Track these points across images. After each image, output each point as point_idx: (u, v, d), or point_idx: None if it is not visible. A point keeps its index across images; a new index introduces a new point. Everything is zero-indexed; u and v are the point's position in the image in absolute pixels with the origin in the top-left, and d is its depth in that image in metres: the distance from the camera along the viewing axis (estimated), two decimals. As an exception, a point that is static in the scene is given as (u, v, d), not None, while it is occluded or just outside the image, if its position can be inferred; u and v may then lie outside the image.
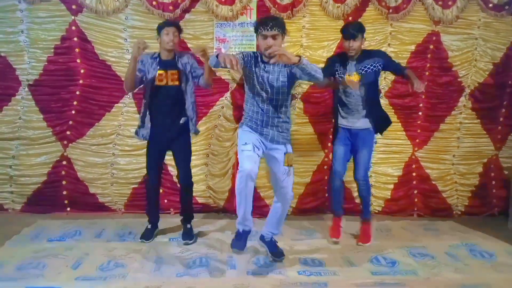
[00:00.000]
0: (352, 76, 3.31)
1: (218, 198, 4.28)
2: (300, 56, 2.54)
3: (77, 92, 4.14)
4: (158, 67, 3.26)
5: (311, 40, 4.22)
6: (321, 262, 3.07)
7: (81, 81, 4.13)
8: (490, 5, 4.24)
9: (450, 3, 4.19)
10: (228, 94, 4.22)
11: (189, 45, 4.05)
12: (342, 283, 2.70)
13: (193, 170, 4.06)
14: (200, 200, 4.23)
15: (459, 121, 4.42)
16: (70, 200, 4.20)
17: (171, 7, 4.05)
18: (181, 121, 3.30)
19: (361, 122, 3.38)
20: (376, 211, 4.38)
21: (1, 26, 4.04)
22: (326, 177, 4.34)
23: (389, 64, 3.38)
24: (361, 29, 3.28)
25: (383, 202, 4.39)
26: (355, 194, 4.21)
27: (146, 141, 3.42)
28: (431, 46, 4.28)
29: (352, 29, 3.23)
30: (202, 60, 3.18)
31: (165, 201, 4.16)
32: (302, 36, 4.20)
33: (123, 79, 4.13)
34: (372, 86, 3.38)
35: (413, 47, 4.27)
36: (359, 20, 4.17)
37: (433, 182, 4.43)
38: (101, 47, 4.11)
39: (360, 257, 3.16)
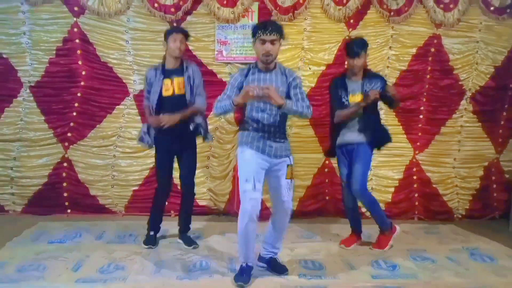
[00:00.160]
0: (356, 96, 3.27)
1: (218, 200, 4.28)
2: (285, 102, 2.53)
3: (79, 94, 4.15)
4: (163, 77, 3.18)
5: (312, 43, 4.22)
6: (321, 265, 3.06)
7: (82, 83, 4.14)
8: (492, 8, 4.24)
9: (451, 6, 4.20)
10: (229, 97, 4.22)
11: (190, 47, 4.05)
12: (342, 287, 2.69)
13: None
14: (200, 203, 4.23)
15: (460, 124, 4.42)
16: (70, 202, 4.21)
17: (172, 9, 4.05)
18: (191, 127, 3.21)
19: (354, 136, 3.31)
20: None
21: (3, 27, 4.06)
22: (326, 180, 4.34)
23: (385, 94, 3.29)
24: (365, 46, 3.26)
25: (384, 205, 4.36)
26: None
27: (146, 147, 3.41)
28: (432, 49, 4.28)
29: (357, 48, 3.20)
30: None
31: (166, 203, 4.15)
32: (303, 38, 4.21)
33: (124, 81, 4.17)
34: (372, 105, 3.32)
35: (414, 50, 4.27)
36: (360, 23, 4.19)
37: (434, 186, 4.43)
38: (102, 49, 4.12)
39: (361, 261, 3.15)
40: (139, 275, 2.81)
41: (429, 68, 4.31)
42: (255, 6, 4.14)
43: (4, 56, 4.10)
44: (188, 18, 4.12)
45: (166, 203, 3.50)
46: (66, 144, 4.18)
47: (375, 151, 3.45)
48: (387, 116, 4.29)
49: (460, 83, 4.36)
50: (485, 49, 4.33)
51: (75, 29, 4.08)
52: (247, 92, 2.49)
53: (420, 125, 4.37)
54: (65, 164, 4.19)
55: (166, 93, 3.17)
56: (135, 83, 4.17)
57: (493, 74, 4.36)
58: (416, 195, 4.41)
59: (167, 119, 3.09)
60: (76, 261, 3.00)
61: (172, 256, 3.18)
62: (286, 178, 2.70)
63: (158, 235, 3.47)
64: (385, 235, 3.43)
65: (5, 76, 4.12)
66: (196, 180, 4.16)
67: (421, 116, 4.36)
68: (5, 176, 4.17)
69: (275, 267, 2.88)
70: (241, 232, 2.63)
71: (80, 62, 4.12)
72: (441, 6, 4.19)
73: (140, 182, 4.23)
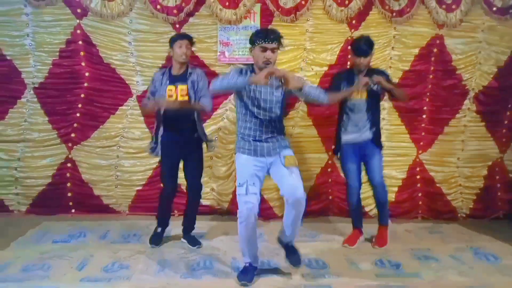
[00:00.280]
0: (360, 93, 3.30)
1: (222, 200, 4.29)
2: (303, 84, 2.53)
3: (82, 95, 4.17)
4: (168, 82, 3.22)
5: (314, 44, 4.23)
6: (325, 264, 3.06)
7: (85, 84, 4.16)
8: (494, 8, 4.24)
9: (454, 6, 4.19)
10: (232, 97, 4.23)
11: (193, 48, 4.06)
12: (346, 286, 2.70)
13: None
14: (204, 202, 4.23)
15: (463, 124, 4.41)
16: (75, 202, 4.22)
17: (175, 11, 4.07)
18: (196, 135, 3.28)
19: (367, 134, 3.38)
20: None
21: (7, 29, 4.08)
22: (330, 180, 4.34)
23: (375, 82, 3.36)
24: (371, 45, 3.29)
25: (388, 205, 4.37)
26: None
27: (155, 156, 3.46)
28: (435, 50, 4.28)
29: (364, 47, 3.23)
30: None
31: (173, 201, 4.15)
32: (305, 39, 4.21)
33: (127, 82, 4.19)
34: (376, 103, 3.40)
35: (416, 51, 4.27)
36: (362, 23, 4.20)
37: (438, 185, 4.42)
38: (105, 51, 4.14)
39: (365, 260, 3.15)
40: (143, 274, 2.82)
41: (432, 68, 4.31)
42: (257, 8, 4.15)
43: (8, 57, 4.12)
44: (191, 19, 4.14)
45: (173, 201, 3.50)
46: (70, 144, 4.20)
47: None
48: (390, 116, 4.30)
49: (463, 83, 4.35)
50: (488, 49, 4.32)
51: (78, 31, 4.10)
52: (270, 73, 2.45)
53: (423, 125, 4.36)
54: (69, 165, 4.21)
55: (170, 98, 3.20)
56: (138, 84, 4.19)
57: (496, 74, 4.35)
58: (419, 194, 4.41)
59: (166, 102, 3.12)
60: (81, 260, 3.01)
61: (176, 255, 3.19)
62: (285, 166, 2.67)
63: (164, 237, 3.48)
64: (386, 228, 3.50)
65: (9, 78, 4.14)
66: (200, 180, 4.20)
67: (424, 116, 4.36)
68: (9, 176, 4.19)
69: (290, 256, 2.84)
70: (240, 234, 2.68)
71: (83, 64, 4.14)
72: (444, 6, 4.19)
73: (144, 182, 4.24)
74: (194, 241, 3.41)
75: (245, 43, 4.17)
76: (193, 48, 4.01)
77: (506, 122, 4.46)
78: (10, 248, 3.25)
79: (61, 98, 4.18)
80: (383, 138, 3.65)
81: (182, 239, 3.47)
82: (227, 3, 4.07)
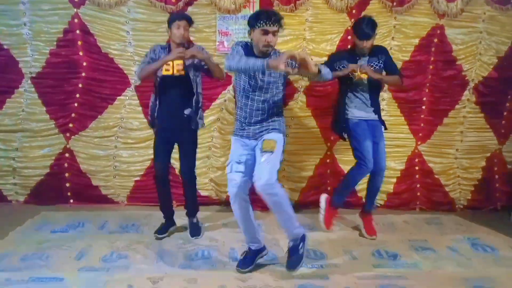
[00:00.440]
0: (364, 73, 3.29)
1: (220, 191, 4.29)
2: (319, 67, 2.47)
3: (80, 85, 4.14)
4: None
5: (314, 33, 4.19)
6: (322, 254, 3.07)
7: (83, 74, 4.13)
8: (495, -2, 4.21)
9: (454, -4, 4.16)
10: (230, 88, 4.21)
11: (191, 38, 4.03)
12: (343, 276, 2.70)
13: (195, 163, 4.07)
14: (202, 193, 4.24)
15: (462, 115, 4.40)
16: (73, 192, 4.22)
17: (173, 0, 4.03)
18: (186, 112, 3.22)
19: (375, 115, 3.39)
20: (379, 205, 4.38)
21: (3, 18, 4.04)
22: (328, 171, 4.34)
23: (389, 63, 3.38)
24: (375, 27, 3.25)
25: (386, 196, 4.38)
26: (358, 187, 4.21)
27: (153, 132, 3.41)
28: (435, 40, 4.24)
29: (367, 30, 3.19)
30: (201, 58, 3.16)
31: (169, 186, 4.15)
32: (305, 29, 4.18)
33: (125, 72, 4.16)
34: (377, 85, 3.40)
35: (417, 41, 4.23)
36: (362, 13, 4.16)
37: (436, 176, 4.42)
38: (103, 40, 4.10)
39: (362, 250, 3.17)
40: (142, 264, 2.83)
41: (432, 58, 4.28)
42: (256, -4, 4.11)
43: (5, 47, 4.08)
44: (189, 8, 4.09)
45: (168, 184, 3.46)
46: (68, 134, 4.19)
47: None
48: (389, 107, 4.28)
49: (463, 73, 4.32)
50: (489, 40, 4.29)
51: (76, 20, 4.06)
52: (286, 55, 2.33)
53: (422, 116, 4.35)
54: (67, 155, 4.20)
55: (166, 72, 3.18)
56: (135, 74, 4.16)
57: (497, 64, 4.33)
58: (418, 185, 4.41)
59: (195, 50, 3.09)
60: (79, 250, 3.02)
61: (174, 245, 3.20)
62: (261, 152, 2.57)
63: (174, 229, 3.48)
64: (370, 217, 3.53)
65: (6, 67, 4.11)
66: (198, 171, 4.18)
67: (423, 107, 4.34)
68: (7, 166, 4.19)
69: (288, 257, 2.70)
70: (235, 215, 2.70)
71: (81, 53, 4.11)
72: (444, -4, 4.16)
73: (142, 173, 4.24)
74: (194, 230, 3.41)
75: (244, 32, 4.13)
76: (191, 38, 4.00)
77: (505, 113, 4.44)
78: (9, 238, 3.26)
79: (58, 88, 4.15)
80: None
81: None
82: (226, -8, 4.04)
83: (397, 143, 4.35)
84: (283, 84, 2.77)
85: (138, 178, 4.25)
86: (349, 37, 4.06)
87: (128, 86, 4.18)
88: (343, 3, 4.10)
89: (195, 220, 3.49)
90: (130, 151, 4.25)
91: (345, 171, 4.28)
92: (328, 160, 4.34)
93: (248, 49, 2.66)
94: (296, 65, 2.44)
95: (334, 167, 4.33)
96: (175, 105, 3.22)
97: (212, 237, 3.40)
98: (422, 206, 4.40)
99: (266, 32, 2.53)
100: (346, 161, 4.19)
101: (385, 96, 4.21)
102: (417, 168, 4.41)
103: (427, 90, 4.32)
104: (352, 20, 4.15)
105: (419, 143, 4.39)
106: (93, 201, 4.21)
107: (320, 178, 4.35)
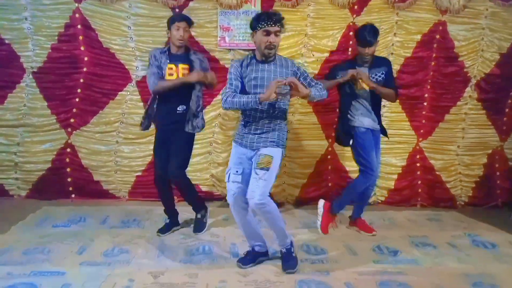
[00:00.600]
0: (364, 83, 3.27)
1: (221, 186, 4.29)
2: (310, 91, 2.55)
3: (81, 80, 4.14)
4: (168, 61, 3.17)
5: (316, 29, 4.18)
6: (323, 250, 3.08)
7: (85, 69, 4.13)
8: (498, -6, 4.19)
9: (457, -8, 4.14)
10: (232, 83, 4.21)
11: (192, 33, 4.02)
12: (344, 272, 2.71)
13: (196, 159, 4.09)
14: (203, 188, 4.26)
15: (464, 112, 4.39)
16: (74, 187, 4.24)
17: (175, -5, 4.02)
18: (179, 109, 3.17)
19: (376, 124, 3.40)
20: (380, 201, 4.39)
21: (5, 13, 4.03)
22: (329, 167, 4.34)
23: (388, 77, 3.33)
24: (377, 35, 3.25)
25: (387, 192, 4.39)
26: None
27: (145, 131, 3.40)
28: (437, 36, 4.23)
29: (369, 37, 3.17)
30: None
31: (169, 187, 4.15)
32: (307, 25, 4.16)
33: (127, 67, 4.15)
34: (378, 95, 3.36)
35: (419, 37, 4.22)
36: (364, 9, 4.15)
37: (437, 173, 4.42)
38: (105, 35, 4.09)
39: (362, 246, 3.17)
40: (143, 258, 2.84)
41: (434, 55, 4.26)
42: (258, -8, 4.09)
43: (7, 41, 4.08)
44: (191, 4, 4.08)
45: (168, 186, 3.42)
46: (69, 130, 4.19)
47: None
48: (390, 103, 4.25)
49: (465, 70, 4.31)
50: (491, 36, 4.27)
51: (77, 15, 4.05)
52: (275, 84, 2.43)
53: (424, 113, 4.34)
54: (68, 150, 4.21)
55: (170, 77, 3.16)
56: (137, 69, 4.16)
57: (499, 61, 4.32)
58: (419, 182, 4.41)
59: (196, 75, 3.11)
60: (81, 244, 3.03)
61: (175, 240, 3.21)
62: (255, 168, 2.56)
63: (177, 228, 3.45)
64: (362, 220, 3.55)
65: (8, 62, 4.11)
66: (199, 166, 4.22)
67: (425, 104, 4.33)
68: (9, 161, 4.20)
69: (283, 261, 2.76)
70: (237, 221, 2.78)
71: (82, 48, 4.10)
72: (447, -8, 4.14)
73: (143, 168, 4.25)
74: (196, 226, 3.41)
75: (245, 28, 4.12)
76: (192, 33, 3.98)
77: (507, 110, 4.44)
78: (11, 232, 3.27)
79: (60, 83, 4.15)
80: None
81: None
82: (227, -13, 4.02)
83: (399, 140, 4.35)
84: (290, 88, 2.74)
85: (139, 173, 4.26)
86: (351, 33, 4.05)
87: (130, 81, 4.18)
88: (345, -1, 4.09)
89: (199, 216, 3.48)
90: (131, 146, 4.25)
91: (346, 168, 4.32)
92: (329, 156, 4.34)
93: (248, 62, 2.65)
94: (288, 89, 2.52)
95: (335, 163, 4.34)
96: (174, 107, 3.20)
97: (213, 232, 3.41)
98: (423, 203, 4.41)
99: (268, 33, 2.52)
100: (347, 157, 4.20)
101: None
102: (418, 164, 4.41)
103: (428, 87, 4.31)
104: (354, 16, 4.15)
105: (420, 139, 4.39)
106: (94, 196, 4.23)
107: (321, 174, 4.35)
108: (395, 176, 4.38)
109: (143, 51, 4.10)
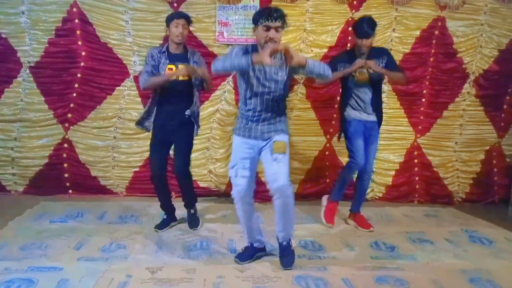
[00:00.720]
0: (361, 74, 3.29)
1: (219, 182, 4.30)
2: (306, 59, 2.45)
3: (79, 75, 4.12)
4: (168, 62, 3.14)
5: (314, 25, 4.17)
6: (321, 246, 3.09)
7: (82, 64, 4.11)
8: (497, -10, 4.18)
9: (456, -13, 4.12)
10: (230, 79, 4.20)
11: (191, 28, 4.00)
12: (342, 267, 2.71)
13: (194, 155, 4.06)
14: (201, 184, 4.25)
15: (462, 108, 4.40)
16: (72, 183, 4.23)
17: (173, -11, 4.00)
18: (187, 113, 3.19)
19: (373, 116, 3.40)
20: (377, 197, 4.40)
21: (2, 7, 4.00)
22: (327, 163, 4.34)
23: (391, 63, 3.35)
24: (375, 27, 3.25)
25: (384, 188, 4.40)
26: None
27: (144, 131, 3.37)
28: (436, 32, 4.23)
29: (367, 29, 3.18)
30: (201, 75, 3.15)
31: (166, 184, 4.15)
32: (305, 20, 4.15)
33: (124, 62, 4.13)
34: (378, 83, 3.39)
35: (418, 33, 4.22)
36: (364, 4, 4.13)
37: (435, 169, 4.43)
38: (102, 29, 4.07)
39: (360, 242, 3.18)
40: (141, 254, 2.84)
41: (433, 51, 4.26)
42: (257, -13, 4.07)
43: (3, 36, 4.05)
44: (189, -2, 4.07)
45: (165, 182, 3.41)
46: (66, 125, 4.18)
47: None
48: (389, 99, 4.27)
49: (463, 66, 4.31)
50: (490, 32, 4.27)
51: (75, 9, 4.02)
52: (273, 50, 2.35)
53: (422, 109, 4.35)
54: (65, 145, 4.19)
55: (171, 74, 3.11)
56: (135, 64, 4.14)
57: (497, 57, 4.32)
58: (416, 178, 4.42)
59: (190, 68, 3.08)
60: (78, 240, 3.03)
61: (173, 236, 3.21)
62: (273, 154, 2.56)
63: (174, 224, 3.45)
64: (360, 215, 3.56)
65: (5, 56, 4.08)
66: (197, 162, 4.20)
67: (423, 100, 4.34)
68: (6, 156, 4.18)
69: (281, 256, 2.72)
70: (238, 214, 2.74)
71: (80, 43, 4.08)
72: (446, -13, 4.13)
73: (141, 164, 4.24)
74: (192, 222, 3.41)
75: (244, 23, 4.11)
76: (191, 28, 3.95)
77: (505, 106, 4.45)
78: (8, 228, 3.26)
79: (57, 78, 4.13)
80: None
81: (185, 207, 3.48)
82: (226, -18, 4.00)
83: (396, 136, 4.36)
84: (288, 81, 2.71)
85: (137, 169, 4.25)
86: (350, 29, 4.03)
87: (127, 76, 4.16)
88: (344, -6, 4.07)
89: (192, 211, 3.48)
90: (129, 142, 4.24)
91: (344, 164, 4.30)
92: (327, 153, 4.34)
93: (249, 52, 2.59)
94: (283, 57, 2.45)
95: (333, 159, 4.34)
96: (175, 108, 3.18)
97: (211, 228, 3.41)
98: (420, 199, 4.42)
99: (268, 28, 2.49)
100: (345, 153, 4.17)
101: (385, 88, 4.18)
102: (416, 161, 4.41)
103: (427, 83, 4.31)
104: (353, 11, 4.14)
105: (418, 136, 4.39)
106: (92, 192, 4.22)
107: (319, 171, 4.35)
108: (393, 172, 4.39)
109: (140, 46, 4.08)
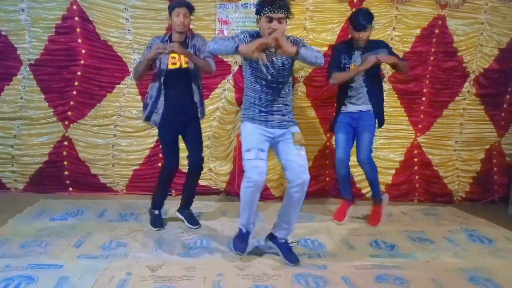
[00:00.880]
0: (357, 66, 3.31)
1: (219, 180, 4.30)
2: (298, 47, 2.40)
3: (79, 73, 4.12)
4: None
5: (315, 23, 4.16)
6: (321, 244, 3.09)
7: (82, 61, 4.10)
8: (498, -12, 4.17)
9: (457, -14, 4.12)
10: (230, 77, 4.20)
11: (191, 26, 3.99)
12: (341, 265, 2.72)
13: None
14: (201, 183, 4.22)
15: (462, 107, 4.40)
16: (72, 181, 4.22)
17: (173, -13, 3.98)
18: (195, 99, 3.20)
19: (363, 106, 3.39)
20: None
21: (1, 4, 3.99)
22: (327, 162, 4.34)
23: (391, 54, 3.36)
24: (371, 19, 3.25)
25: (384, 187, 4.38)
26: (357, 178, 4.23)
27: (153, 126, 3.36)
28: (437, 31, 4.22)
29: (363, 21, 3.18)
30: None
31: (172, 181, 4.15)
32: (305, 18, 4.15)
33: (124, 60, 4.13)
34: (375, 75, 3.38)
35: (418, 31, 4.21)
36: (364, 3, 4.13)
37: (435, 168, 4.43)
38: (102, 27, 4.07)
39: (360, 241, 3.18)
40: (141, 252, 2.84)
41: (433, 49, 4.26)
42: (257, -15, 4.06)
43: (3, 33, 4.05)
44: (189, -4, 4.05)
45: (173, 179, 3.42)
46: (66, 122, 4.17)
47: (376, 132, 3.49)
48: (389, 98, 4.27)
49: (464, 65, 4.31)
50: (490, 31, 4.27)
51: (74, 7, 4.01)
52: (261, 44, 2.32)
53: (422, 108, 4.35)
54: (65, 143, 4.19)
55: (173, 66, 3.12)
56: (135, 62, 4.12)
57: (497, 56, 4.32)
58: (416, 177, 4.43)
59: (176, 46, 2.98)
60: (78, 238, 3.03)
61: (173, 234, 3.21)
62: (294, 144, 2.59)
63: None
64: (379, 207, 3.53)
65: (5, 54, 4.08)
66: (198, 160, 4.19)
67: (423, 99, 4.33)
68: (6, 154, 4.18)
69: (287, 254, 2.71)
70: (245, 199, 2.59)
71: (79, 40, 4.07)
72: (447, -14, 4.12)
73: (141, 162, 4.24)
74: (194, 221, 3.40)
75: (244, 21, 4.11)
76: (191, 26, 3.95)
77: (505, 105, 4.45)
78: (8, 225, 3.26)
79: (57, 76, 4.13)
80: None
81: (177, 213, 3.42)
82: (226, -20, 3.99)
83: (396, 135, 4.36)
84: (292, 68, 2.70)
85: (137, 167, 4.25)
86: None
87: (127, 74, 4.15)
88: (344, -8, 4.07)
89: (191, 210, 3.47)
90: (129, 139, 4.24)
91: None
92: (327, 151, 4.34)
93: (254, 37, 2.56)
94: (273, 50, 2.39)
95: (333, 158, 4.28)
96: (182, 97, 3.17)
97: (211, 226, 3.41)
98: (420, 198, 4.42)
99: (270, 19, 2.44)
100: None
101: (385, 87, 4.19)
102: (416, 159, 4.42)
103: (427, 82, 4.31)
104: (354, 9, 4.11)
105: (418, 134, 4.40)
106: (92, 190, 4.22)
107: (319, 169, 4.35)
108: (393, 171, 4.39)
109: (141, 44, 4.08)
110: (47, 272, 2.46)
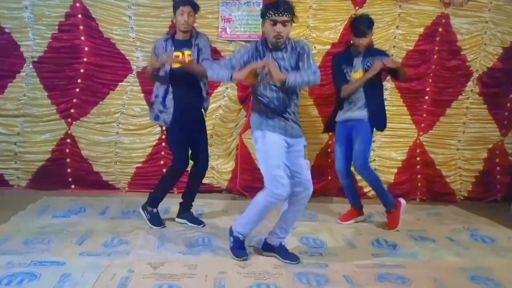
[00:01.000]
0: (357, 73, 3.30)
1: (221, 178, 4.31)
2: (286, 76, 2.41)
3: (82, 70, 4.13)
4: (173, 49, 3.10)
5: (318, 21, 4.16)
6: (322, 243, 3.09)
7: (85, 59, 4.11)
8: (502, -13, 4.15)
9: (461, -16, 4.10)
10: (232, 75, 4.19)
11: (195, 25, 3.97)
12: (342, 264, 2.72)
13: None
14: (203, 181, 4.20)
15: (465, 106, 4.38)
16: (74, 178, 4.24)
17: (176, -15, 3.98)
18: (204, 95, 3.23)
19: (357, 113, 3.36)
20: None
21: (5, 1, 4.01)
22: (329, 160, 4.34)
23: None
24: (371, 25, 3.25)
25: (387, 186, 4.36)
26: (357, 178, 4.21)
27: (158, 124, 3.37)
28: (440, 29, 4.21)
29: (364, 27, 3.19)
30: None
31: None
32: (309, 16, 4.14)
33: (127, 57, 4.14)
34: (373, 81, 3.32)
35: (421, 30, 4.20)
36: (367, 1, 4.12)
37: (437, 167, 4.42)
38: (105, 25, 4.07)
39: (361, 240, 3.18)
40: (143, 249, 2.84)
41: (436, 48, 4.25)
42: (260, -17, 4.06)
43: (7, 30, 4.06)
44: (192, -6, 4.05)
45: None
46: (69, 120, 4.18)
47: (378, 132, 3.48)
48: (392, 97, 4.27)
49: (467, 64, 4.30)
50: (494, 30, 4.25)
51: (78, 4, 4.02)
52: (252, 70, 2.39)
53: (425, 106, 4.33)
54: (68, 140, 4.20)
55: (177, 65, 3.10)
56: (138, 60, 4.14)
57: (501, 55, 4.30)
58: (419, 176, 4.41)
59: (170, 58, 3.03)
60: (81, 235, 3.04)
61: (175, 232, 3.21)
62: (305, 158, 2.67)
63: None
64: (392, 213, 3.42)
65: (8, 51, 4.10)
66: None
67: (426, 97, 4.32)
68: (9, 151, 4.19)
69: (287, 255, 2.73)
70: (262, 211, 2.59)
71: (82, 38, 4.08)
72: (451, -16, 4.11)
73: (143, 159, 4.25)
74: (198, 221, 3.39)
75: (247, 19, 4.10)
76: (194, 24, 3.94)
77: (508, 105, 4.43)
78: (11, 222, 3.27)
79: (60, 73, 4.14)
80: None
81: (178, 219, 3.40)
82: (229, -22, 3.99)
83: (399, 134, 4.35)
84: None
85: (139, 165, 4.26)
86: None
87: (130, 72, 4.16)
88: (347, -10, 4.06)
89: (193, 211, 3.46)
90: (131, 137, 4.25)
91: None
92: (329, 150, 4.33)
93: (258, 47, 2.58)
94: (266, 72, 2.43)
95: (335, 156, 4.32)
96: (189, 96, 3.16)
97: (213, 224, 3.42)
98: (422, 197, 4.41)
99: (275, 23, 2.44)
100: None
101: (388, 86, 4.19)
102: (418, 158, 4.40)
103: (430, 80, 4.29)
104: (357, 8, 4.12)
105: (421, 133, 4.38)
106: (94, 187, 4.23)
107: (321, 167, 4.34)
108: (395, 170, 4.38)
109: (143, 42, 4.08)
110: (49, 269, 2.47)
